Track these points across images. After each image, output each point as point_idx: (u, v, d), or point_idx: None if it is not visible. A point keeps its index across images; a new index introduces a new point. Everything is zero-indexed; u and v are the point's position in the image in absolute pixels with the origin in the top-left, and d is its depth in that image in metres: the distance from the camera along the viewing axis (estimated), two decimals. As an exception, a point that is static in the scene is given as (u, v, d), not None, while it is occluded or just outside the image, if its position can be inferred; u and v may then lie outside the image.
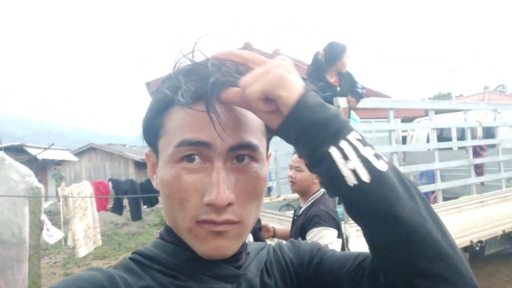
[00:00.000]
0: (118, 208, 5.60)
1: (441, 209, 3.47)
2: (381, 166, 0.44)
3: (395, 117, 3.62)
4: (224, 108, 0.47)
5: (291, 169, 2.18)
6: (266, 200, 4.24)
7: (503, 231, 3.98)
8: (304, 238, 1.85)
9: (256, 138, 0.50)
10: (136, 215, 5.64)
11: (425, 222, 0.42)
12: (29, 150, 9.93)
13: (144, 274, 0.50)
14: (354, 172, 0.43)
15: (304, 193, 2.16)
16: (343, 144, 0.44)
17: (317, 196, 2.09)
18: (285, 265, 0.60)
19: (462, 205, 3.67)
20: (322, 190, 2.13)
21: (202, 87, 0.46)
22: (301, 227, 2.00)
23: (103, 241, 5.95)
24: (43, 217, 3.96)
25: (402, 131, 6.92)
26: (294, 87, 0.44)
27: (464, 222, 3.62)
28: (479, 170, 4.37)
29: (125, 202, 5.93)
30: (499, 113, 4.57)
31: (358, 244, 2.75)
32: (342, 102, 3.02)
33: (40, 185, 3.98)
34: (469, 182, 3.93)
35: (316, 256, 0.61)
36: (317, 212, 1.94)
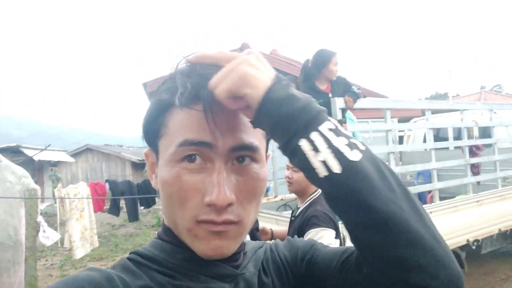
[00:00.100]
0: (115, 209, 5.59)
1: (437, 208, 3.49)
2: (354, 156, 0.43)
3: (392, 117, 3.63)
4: (224, 108, 0.47)
5: (288, 169, 2.18)
6: (263, 200, 4.23)
7: (499, 230, 4.01)
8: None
9: (257, 139, 0.51)
10: (133, 216, 5.63)
11: (402, 211, 0.42)
12: (25, 151, 9.88)
13: (142, 274, 0.49)
14: (324, 163, 0.43)
15: (301, 193, 2.15)
16: (313, 136, 0.44)
17: (315, 197, 2.08)
18: (281, 263, 0.61)
19: (458, 205, 3.69)
20: (320, 190, 2.12)
21: (202, 87, 0.47)
22: (298, 228, 2.00)
23: (100, 242, 5.94)
24: (40, 218, 3.94)
25: (399, 131, 6.93)
26: (260, 82, 0.44)
27: (461, 221, 3.65)
28: (475, 169, 4.41)
29: (122, 203, 5.91)
30: (495, 113, 4.60)
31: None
32: (339, 102, 3.02)
33: (37, 187, 3.96)
34: (466, 181, 3.96)
35: (308, 253, 0.61)
36: (315, 213, 1.94)
